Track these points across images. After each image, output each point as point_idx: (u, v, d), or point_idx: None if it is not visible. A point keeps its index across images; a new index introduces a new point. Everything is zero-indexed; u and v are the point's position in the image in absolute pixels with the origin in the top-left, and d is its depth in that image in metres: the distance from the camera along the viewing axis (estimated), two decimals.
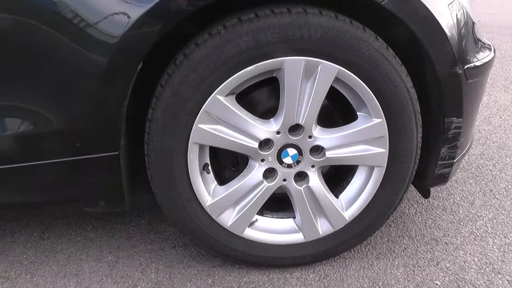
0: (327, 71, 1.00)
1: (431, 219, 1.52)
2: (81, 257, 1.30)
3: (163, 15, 0.92)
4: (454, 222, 1.50)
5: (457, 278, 1.25)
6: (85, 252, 1.32)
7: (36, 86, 0.95)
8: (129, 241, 1.37)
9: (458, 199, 1.63)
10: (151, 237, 1.39)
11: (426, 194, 1.35)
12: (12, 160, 1.00)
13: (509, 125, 2.27)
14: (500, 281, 1.24)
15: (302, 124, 1.06)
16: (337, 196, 1.20)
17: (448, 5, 1.05)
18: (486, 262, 1.31)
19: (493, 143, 2.07)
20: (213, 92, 0.99)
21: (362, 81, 1.02)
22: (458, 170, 1.82)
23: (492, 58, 1.20)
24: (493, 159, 1.92)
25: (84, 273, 1.23)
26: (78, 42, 0.91)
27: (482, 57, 1.15)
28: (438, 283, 1.23)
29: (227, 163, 1.18)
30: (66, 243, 1.36)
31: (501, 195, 1.65)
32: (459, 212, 1.56)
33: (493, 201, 1.62)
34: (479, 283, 1.23)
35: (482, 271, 1.27)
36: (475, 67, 1.11)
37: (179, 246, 1.34)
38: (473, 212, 1.56)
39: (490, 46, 1.26)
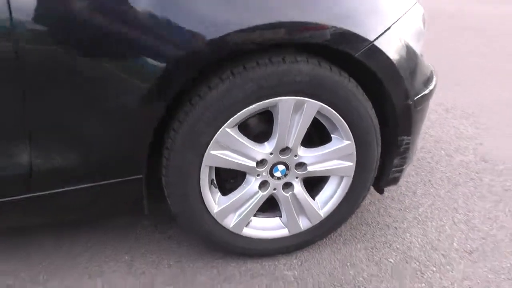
0: (311, 107, 1.27)
1: (383, 208, 1.87)
2: (100, 259, 1.51)
3: (190, 63, 1.12)
4: (401, 210, 1.86)
5: (405, 256, 1.60)
6: (102, 254, 1.53)
7: (82, 120, 1.14)
8: (138, 242, 1.59)
9: (404, 189, 2.00)
10: (157, 237, 1.62)
11: (380, 191, 1.68)
12: (62, 184, 1.20)
13: (443, 119, 2.68)
14: (437, 256, 1.61)
15: (290, 147, 1.33)
16: (313, 198, 1.49)
17: (402, 49, 1.34)
18: (426, 242, 1.68)
19: (431, 137, 2.47)
20: (223, 126, 1.23)
21: (337, 113, 1.30)
22: None
23: (434, 86, 1.53)
24: (430, 152, 2.31)
25: (107, 273, 1.45)
26: (120, 76, 1.10)
27: (426, 88, 1.47)
28: (392, 260, 1.58)
29: (227, 177, 1.43)
30: (81, 248, 1.56)
31: (438, 185, 2.04)
32: (404, 201, 1.92)
33: (431, 190, 2.00)
34: (421, 258, 1.60)
35: (424, 249, 1.64)
36: (421, 97, 1.43)
37: (183, 244, 1.59)
38: (415, 200, 1.93)
39: (432, 74, 1.58)
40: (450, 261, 1.59)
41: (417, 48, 1.43)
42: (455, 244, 1.68)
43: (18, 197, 1.20)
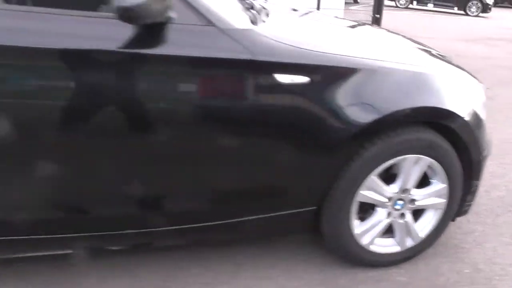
0: (425, 161, 1.92)
1: (449, 233, 2.49)
2: (251, 272, 2.08)
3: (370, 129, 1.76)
4: (462, 234, 2.48)
5: (475, 268, 2.20)
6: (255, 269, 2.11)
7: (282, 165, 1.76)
8: (282, 259, 2.17)
9: (460, 218, 2.63)
10: (296, 252, 2.20)
11: (453, 220, 2.32)
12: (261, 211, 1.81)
13: None
14: (497, 268, 2.21)
15: (408, 188, 1.97)
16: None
17: (476, 119, 2.01)
18: (487, 258, 2.28)
19: None
20: (371, 174, 1.86)
21: (440, 165, 1.96)
22: None
23: (491, 144, 2.21)
24: None
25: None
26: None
27: (488, 145, 2.15)
28: (467, 271, 2.18)
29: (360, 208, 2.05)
30: (229, 264, 2.13)
31: (484, 215, 2.68)
32: (463, 227, 2.54)
33: (480, 219, 2.63)
34: (487, 270, 2.19)
35: (486, 263, 2.24)
36: (486, 152, 2.10)
37: (328, 263, 2.16)
38: (470, 226, 2.56)
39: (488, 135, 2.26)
40: (507, 272, 2.20)
41: (483, 116, 2.11)
42: (507, 260, 2.30)
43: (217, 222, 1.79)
